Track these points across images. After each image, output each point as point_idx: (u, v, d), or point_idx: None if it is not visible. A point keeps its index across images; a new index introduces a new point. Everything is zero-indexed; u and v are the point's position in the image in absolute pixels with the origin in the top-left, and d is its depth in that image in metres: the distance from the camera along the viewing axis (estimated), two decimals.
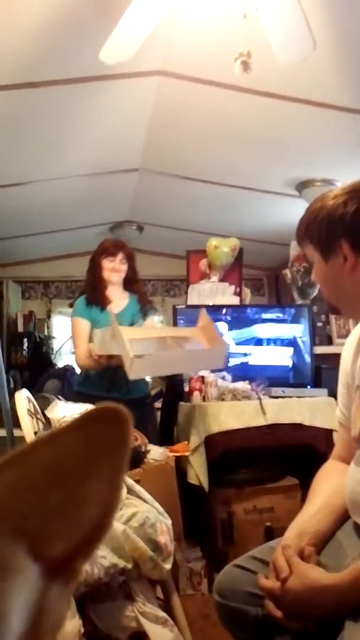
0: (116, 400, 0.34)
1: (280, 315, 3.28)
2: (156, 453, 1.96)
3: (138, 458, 1.79)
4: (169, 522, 1.45)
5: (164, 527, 1.42)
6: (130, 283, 2.82)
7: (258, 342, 3.13)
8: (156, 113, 2.79)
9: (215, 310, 3.06)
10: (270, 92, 2.48)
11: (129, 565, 1.23)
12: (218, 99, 2.59)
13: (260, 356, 3.13)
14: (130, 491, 1.52)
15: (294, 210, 3.27)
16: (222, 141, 2.99)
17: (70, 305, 3.50)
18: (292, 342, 3.16)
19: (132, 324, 2.66)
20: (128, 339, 2.11)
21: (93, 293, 2.74)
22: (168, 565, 1.40)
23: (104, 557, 1.22)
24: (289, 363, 3.12)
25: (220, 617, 1.18)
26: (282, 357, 3.13)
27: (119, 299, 2.76)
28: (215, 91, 2.51)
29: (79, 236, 4.48)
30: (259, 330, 3.14)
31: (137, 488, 1.51)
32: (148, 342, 2.31)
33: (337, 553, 1.08)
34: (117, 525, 1.28)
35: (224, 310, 3.16)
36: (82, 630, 1.16)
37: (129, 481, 1.52)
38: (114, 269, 2.73)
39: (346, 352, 1.24)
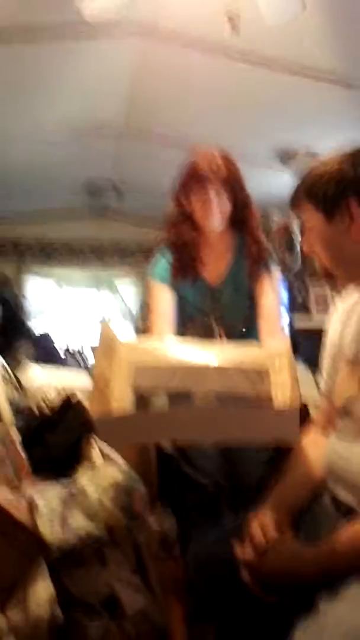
0: None
1: None
2: None
3: None
4: (144, 488, 1.45)
5: (138, 494, 1.42)
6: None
7: None
8: (138, 75, 2.71)
9: None
10: (256, 59, 2.43)
11: (103, 532, 1.23)
12: (202, 63, 2.53)
13: None
14: (106, 457, 1.51)
15: (276, 182, 3.24)
16: (204, 107, 2.93)
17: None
18: None
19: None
20: (134, 366, 1.12)
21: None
22: (142, 532, 1.41)
23: (78, 524, 1.21)
24: None
25: (194, 584, 1.20)
26: None
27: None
28: (199, 55, 2.45)
29: (55, 199, 4.39)
30: None
31: (113, 455, 1.51)
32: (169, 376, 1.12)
33: (313, 524, 1.09)
34: (92, 493, 1.28)
35: None
36: (55, 595, 1.17)
37: (105, 449, 1.52)
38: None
39: (333, 325, 1.23)
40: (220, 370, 1.13)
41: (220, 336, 1.71)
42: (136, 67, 2.64)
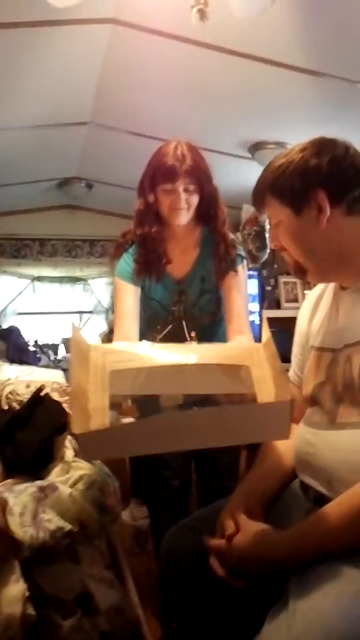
0: None
1: None
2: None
3: None
4: (117, 483, 1.44)
5: (111, 489, 1.41)
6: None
7: None
8: (107, 64, 2.67)
9: None
10: (225, 47, 2.41)
11: (75, 529, 1.22)
12: (171, 52, 2.50)
13: None
14: (78, 454, 1.50)
15: (245, 173, 3.24)
16: (174, 97, 2.91)
17: None
18: None
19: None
20: (110, 369, 1.09)
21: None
22: (115, 527, 1.40)
23: (49, 521, 1.20)
24: None
25: (166, 577, 1.20)
26: None
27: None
28: (169, 43, 2.42)
29: (23, 192, 4.31)
30: None
31: None
32: (149, 378, 1.14)
33: (283, 513, 1.10)
34: (63, 489, 1.27)
35: None
36: (27, 593, 1.15)
37: (77, 444, 1.50)
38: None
39: (302, 314, 1.24)
40: (200, 368, 1.11)
41: (190, 334, 1.68)
42: (103, 57, 2.60)
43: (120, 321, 1.77)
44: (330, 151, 1.05)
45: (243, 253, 1.86)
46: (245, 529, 1.03)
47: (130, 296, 1.79)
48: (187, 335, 1.67)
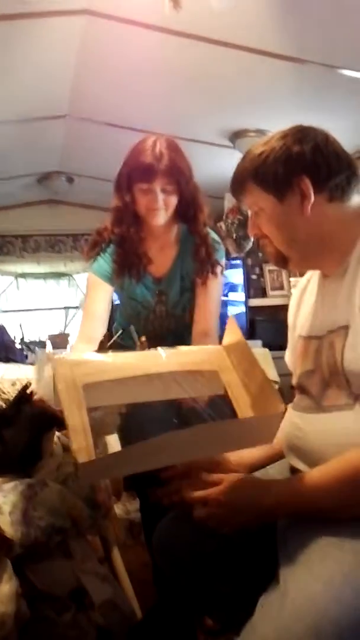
0: None
1: None
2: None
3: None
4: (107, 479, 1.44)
5: (101, 484, 1.41)
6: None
7: None
8: (83, 56, 2.64)
9: None
10: (201, 35, 2.39)
11: (67, 525, 1.22)
12: (147, 42, 2.48)
13: None
14: (67, 450, 1.49)
15: (227, 162, 3.22)
16: (153, 88, 2.88)
17: None
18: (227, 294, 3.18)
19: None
20: (82, 383, 1.03)
21: None
22: (107, 522, 1.40)
23: (40, 518, 1.20)
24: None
25: (159, 569, 1.20)
26: None
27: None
28: (144, 33, 2.39)
29: (3, 189, 4.27)
30: None
31: None
32: (124, 388, 1.11)
33: None
34: (53, 485, 1.26)
35: None
36: (20, 590, 1.15)
37: (65, 440, 1.50)
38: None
39: (290, 307, 1.25)
40: (173, 375, 1.09)
41: (140, 339, 1.64)
42: (78, 49, 2.56)
43: (87, 321, 1.73)
44: (312, 138, 1.06)
45: (222, 253, 1.82)
46: (231, 477, 1.03)
47: (104, 297, 1.76)
48: (136, 340, 1.60)
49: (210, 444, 0.99)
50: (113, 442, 1.49)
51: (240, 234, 3.17)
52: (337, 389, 1.01)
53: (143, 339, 1.55)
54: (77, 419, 0.96)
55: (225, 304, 3.37)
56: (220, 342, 1.20)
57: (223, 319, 1.59)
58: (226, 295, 3.31)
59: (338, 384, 1.01)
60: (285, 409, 1.10)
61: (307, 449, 1.05)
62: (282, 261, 1.13)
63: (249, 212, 1.14)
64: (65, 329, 5.50)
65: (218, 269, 1.77)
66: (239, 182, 1.12)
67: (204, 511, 1.01)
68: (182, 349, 1.18)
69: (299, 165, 1.04)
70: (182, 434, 0.93)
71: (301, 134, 1.07)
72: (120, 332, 1.67)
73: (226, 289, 3.39)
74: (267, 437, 1.04)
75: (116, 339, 1.58)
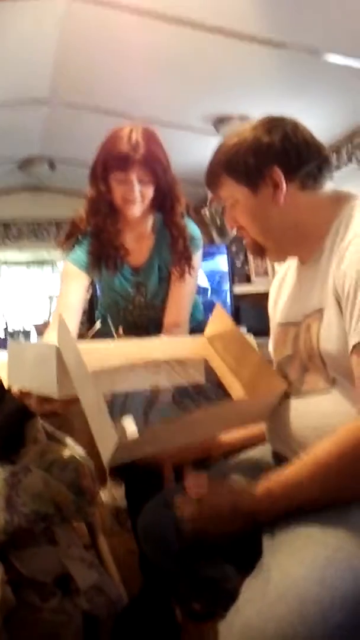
0: None
1: None
2: None
3: None
4: (92, 464, 1.44)
5: (86, 470, 1.41)
6: None
7: None
8: (64, 39, 2.59)
9: None
10: (183, 18, 2.36)
11: (51, 511, 1.22)
12: (129, 26, 2.44)
13: None
14: (51, 437, 1.49)
15: (211, 148, 3.21)
16: (135, 72, 2.84)
17: None
18: (210, 281, 3.18)
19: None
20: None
21: None
22: (92, 508, 1.40)
23: (24, 504, 1.19)
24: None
25: (145, 553, 1.20)
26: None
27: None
28: (126, 17, 2.36)
29: None
30: None
31: (58, 434, 1.49)
32: (126, 373, 1.15)
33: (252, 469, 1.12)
34: (37, 472, 1.26)
35: None
36: (5, 577, 1.15)
37: (49, 427, 1.49)
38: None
39: (271, 293, 1.27)
40: (168, 364, 1.13)
41: (117, 331, 1.63)
42: (59, 33, 2.52)
43: (61, 312, 1.69)
44: (282, 128, 1.07)
45: (200, 244, 1.80)
46: (213, 484, 1.03)
47: (79, 287, 1.73)
48: (114, 333, 1.59)
49: (219, 422, 1.07)
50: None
51: (224, 221, 3.16)
52: (315, 373, 1.02)
53: (120, 330, 1.55)
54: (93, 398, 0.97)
55: (213, 292, 3.39)
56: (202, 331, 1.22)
57: (209, 305, 1.58)
58: (217, 285, 3.31)
59: (316, 368, 1.02)
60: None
61: (288, 434, 1.06)
62: (260, 251, 1.14)
63: (226, 205, 1.15)
64: (49, 318, 5.46)
65: (194, 262, 1.76)
66: (214, 175, 1.13)
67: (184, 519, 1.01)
68: (166, 338, 1.20)
69: (269, 155, 1.06)
70: (197, 413, 1.02)
71: (270, 124, 1.08)
72: (98, 321, 1.66)
73: (217, 278, 3.39)
74: (266, 413, 1.10)
75: (96, 328, 1.57)
